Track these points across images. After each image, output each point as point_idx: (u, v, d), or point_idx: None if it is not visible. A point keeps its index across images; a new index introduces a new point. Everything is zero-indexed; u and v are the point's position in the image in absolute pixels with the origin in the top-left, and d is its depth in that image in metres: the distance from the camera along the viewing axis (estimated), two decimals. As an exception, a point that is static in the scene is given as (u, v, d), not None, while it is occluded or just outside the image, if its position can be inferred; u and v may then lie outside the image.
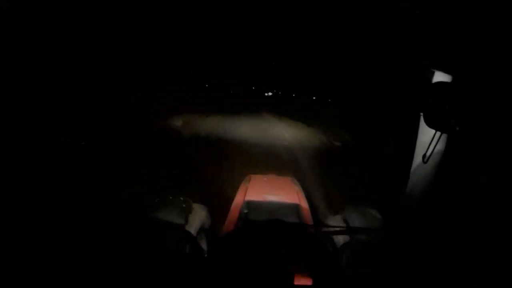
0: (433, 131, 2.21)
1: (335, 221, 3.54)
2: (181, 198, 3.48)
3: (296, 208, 3.85)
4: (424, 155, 2.26)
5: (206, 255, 2.73)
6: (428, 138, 2.32)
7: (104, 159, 7.27)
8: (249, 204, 3.87)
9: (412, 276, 2.22)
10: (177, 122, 15.96)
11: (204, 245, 3.60)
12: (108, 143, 8.45)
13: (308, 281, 2.01)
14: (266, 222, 2.31)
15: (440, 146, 2.31)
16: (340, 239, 3.19)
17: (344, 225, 3.36)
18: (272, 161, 10.83)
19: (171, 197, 3.44)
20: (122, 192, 5.61)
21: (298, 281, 1.98)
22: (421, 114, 2.53)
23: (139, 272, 2.09)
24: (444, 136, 2.23)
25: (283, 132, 17.17)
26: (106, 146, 8.12)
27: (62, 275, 2.01)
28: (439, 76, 2.33)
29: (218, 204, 5.55)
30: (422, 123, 2.56)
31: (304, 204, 4.05)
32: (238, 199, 4.08)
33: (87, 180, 5.47)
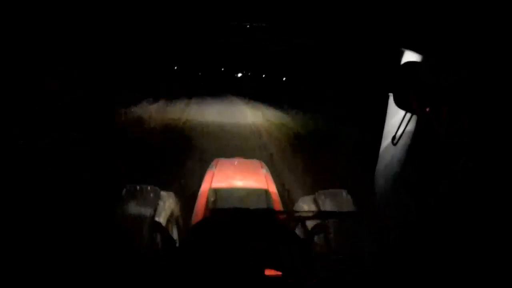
0: (403, 112, 2.16)
1: (305, 205, 3.49)
2: (148, 187, 3.35)
3: (264, 193, 3.79)
4: (393, 137, 2.21)
5: (176, 245, 2.64)
6: (397, 120, 2.28)
7: (68, 151, 7.10)
8: (215, 192, 3.78)
9: (386, 262, 2.20)
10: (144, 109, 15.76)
11: (174, 234, 3.51)
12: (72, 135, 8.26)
13: (279, 271, 1.94)
14: (232, 211, 2.24)
15: (410, 128, 2.27)
16: (311, 224, 3.14)
17: (315, 209, 3.31)
18: (240, 144, 10.83)
19: (138, 187, 3.31)
20: (86, 183, 5.49)
21: (269, 271, 1.92)
22: (390, 94, 2.48)
23: (112, 266, 2.04)
24: (414, 118, 2.19)
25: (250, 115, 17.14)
26: (70, 138, 7.93)
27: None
28: (409, 56, 2.27)
29: (187, 191, 5.45)
30: (391, 104, 2.51)
31: (272, 188, 3.99)
32: (205, 186, 3.99)
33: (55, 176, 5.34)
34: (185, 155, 8.66)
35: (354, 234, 2.84)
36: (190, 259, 2.01)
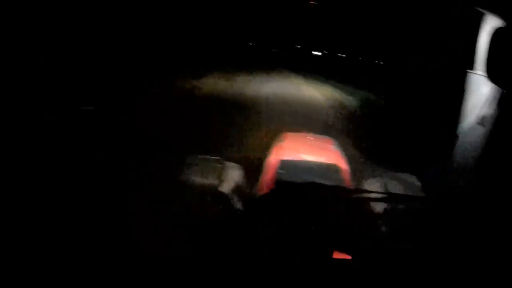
0: (484, 92, 1.96)
1: (373, 187, 3.34)
2: (214, 158, 3.35)
3: (334, 168, 3.64)
4: (480, 116, 2.01)
5: (239, 216, 2.62)
6: (477, 101, 2.08)
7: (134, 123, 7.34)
8: (284, 164, 3.68)
9: (454, 254, 2.03)
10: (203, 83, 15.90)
11: (238, 205, 3.50)
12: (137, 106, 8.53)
13: (347, 255, 1.84)
14: (303, 185, 2.14)
15: (498, 110, 2.07)
16: (379, 207, 3.01)
17: (384, 191, 3.16)
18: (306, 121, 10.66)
19: (204, 157, 3.32)
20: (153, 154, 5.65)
21: (337, 254, 1.81)
22: (470, 71, 2.27)
23: (174, 231, 2.05)
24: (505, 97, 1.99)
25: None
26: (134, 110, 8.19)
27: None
28: (493, 23, 2.01)
29: (251, 163, 5.45)
30: (471, 83, 2.31)
31: (343, 165, 3.83)
32: (273, 158, 3.90)
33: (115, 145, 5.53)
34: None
35: (423, 220, 2.68)
36: (255, 232, 1.96)
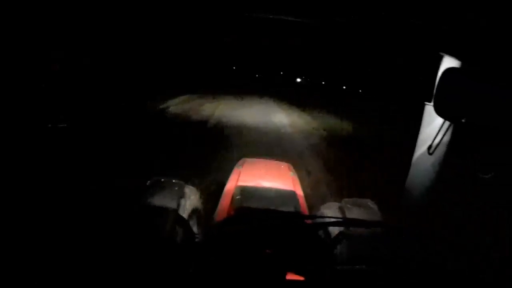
0: (438, 122, 2.09)
1: (330, 212, 3.42)
2: (173, 181, 3.34)
3: (292, 196, 3.71)
4: (429, 146, 2.14)
5: (197, 240, 2.62)
6: (432, 130, 2.21)
7: (93, 143, 7.25)
8: (242, 190, 3.73)
9: (410, 275, 2.12)
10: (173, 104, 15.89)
11: (196, 229, 3.49)
12: (97, 125, 8.43)
13: (301, 277, 1.90)
14: (260, 211, 2.20)
15: (446, 139, 2.20)
16: (336, 231, 3.08)
17: (340, 216, 3.23)
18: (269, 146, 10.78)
19: (162, 180, 3.31)
20: (112, 176, 5.58)
21: (291, 276, 1.88)
22: (426, 104, 2.41)
23: (131, 258, 2.02)
24: (451, 128, 2.12)
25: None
26: (94, 129, 8.10)
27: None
28: (448, 62, 2.20)
29: (210, 188, 5.45)
30: (426, 113, 2.44)
31: (300, 192, 3.92)
32: (231, 184, 3.94)
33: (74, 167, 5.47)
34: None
35: (379, 244, 2.76)
36: (212, 255, 1.99)
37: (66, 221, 3.37)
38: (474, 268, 1.97)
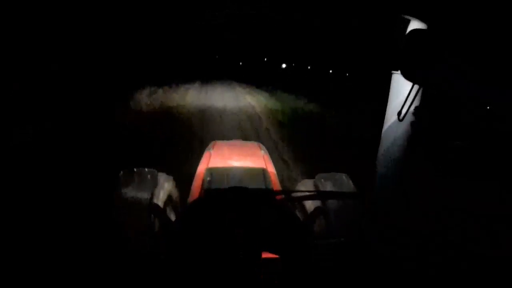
0: (406, 92, 2.06)
1: (305, 188, 3.39)
2: (146, 170, 3.25)
3: (262, 173, 3.67)
4: (399, 112, 2.10)
5: (171, 225, 2.57)
6: (400, 100, 2.18)
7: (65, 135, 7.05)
8: (212, 171, 3.67)
9: (386, 244, 2.11)
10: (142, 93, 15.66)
11: (172, 217, 3.42)
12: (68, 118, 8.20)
13: (276, 254, 1.85)
14: (229, 190, 2.13)
15: (416, 104, 2.17)
16: (311, 206, 3.04)
17: (314, 190, 3.20)
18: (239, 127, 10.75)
19: (135, 170, 3.21)
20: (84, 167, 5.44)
21: (266, 254, 1.83)
22: (393, 72, 2.36)
23: (109, 250, 1.98)
24: (420, 94, 2.09)
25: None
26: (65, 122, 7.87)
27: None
28: (415, 25, 2.15)
29: (185, 173, 5.37)
30: (394, 83, 2.41)
31: (271, 169, 3.88)
32: (201, 167, 3.88)
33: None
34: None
35: (355, 216, 2.75)
36: (184, 240, 1.93)
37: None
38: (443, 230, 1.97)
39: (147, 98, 15.05)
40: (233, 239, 1.85)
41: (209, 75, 28.75)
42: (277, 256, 1.86)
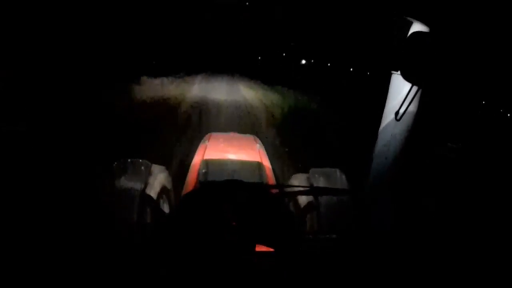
0: (405, 91, 2.08)
1: (298, 182, 3.42)
2: (140, 161, 3.27)
3: (257, 166, 3.70)
4: (397, 112, 2.12)
5: (165, 217, 2.59)
6: (399, 99, 2.20)
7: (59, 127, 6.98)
8: (207, 163, 3.69)
9: (379, 241, 2.14)
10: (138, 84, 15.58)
11: (165, 208, 3.44)
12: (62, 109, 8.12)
13: (270, 247, 1.88)
14: (225, 183, 2.15)
15: (414, 106, 2.19)
16: (304, 201, 3.08)
17: (307, 185, 3.23)
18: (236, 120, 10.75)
19: (129, 160, 3.22)
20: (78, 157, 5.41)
21: (260, 247, 1.85)
22: (393, 73, 2.38)
23: (101, 241, 1.98)
24: (418, 96, 2.11)
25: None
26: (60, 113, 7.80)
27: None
28: (417, 27, 2.16)
29: (179, 165, 5.38)
30: (393, 83, 2.43)
31: (266, 163, 3.91)
32: (197, 159, 3.90)
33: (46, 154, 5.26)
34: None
35: (347, 212, 2.78)
36: (179, 231, 1.94)
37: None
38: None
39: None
40: (228, 230, 1.87)
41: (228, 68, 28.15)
42: (271, 249, 1.88)
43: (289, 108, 14.90)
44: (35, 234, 2.07)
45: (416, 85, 1.98)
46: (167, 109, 12.16)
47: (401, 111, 2.10)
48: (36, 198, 3.66)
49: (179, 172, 4.26)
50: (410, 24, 2.29)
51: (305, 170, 3.54)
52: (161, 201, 3.33)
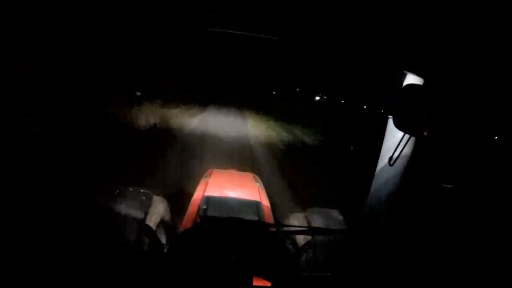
0: (400, 135, 2.18)
1: (296, 221, 3.49)
2: (141, 190, 3.34)
3: (256, 205, 3.79)
4: (390, 158, 2.22)
5: (165, 250, 2.64)
6: (394, 142, 2.29)
7: (61, 150, 7.03)
8: (208, 200, 3.78)
9: (373, 281, 2.19)
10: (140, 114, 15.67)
11: (163, 239, 3.49)
12: (65, 132, 8.18)
13: (266, 282, 1.94)
14: (225, 220, 2.23)
15: (407, 151, 2.28)
16: (301, 239, 3.14)
17: (305, 225, 3.30)
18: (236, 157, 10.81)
19: (130, 189, 3.30)
20: (79, 184, 5.44)
21: (257, 282, 1.92)
22: (389, 117, 2.50)
23: (98, 266, 2.02)
24: (411, 141, 2.21)
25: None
26: (63, 136, 7.86)
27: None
28: (411, 79, 2.30)
29: (179, 198, 5.43)
30: (389, 126, 2.53)
31: (265, 202, 4.00)
32: (198, 194, 3.99)
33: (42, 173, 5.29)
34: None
35: (343, 252, 2.83)
36: (178, 264, 2.00)
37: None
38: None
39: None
40: (227, 263, 1.94)
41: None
42: (268, 283, 1.95)
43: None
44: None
45: (406, 133, 2.07)
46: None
47: (395, 156, 2.19)
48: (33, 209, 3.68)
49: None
50: (405, 75, 2.43)
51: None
52: (159, 231, 3.38)
